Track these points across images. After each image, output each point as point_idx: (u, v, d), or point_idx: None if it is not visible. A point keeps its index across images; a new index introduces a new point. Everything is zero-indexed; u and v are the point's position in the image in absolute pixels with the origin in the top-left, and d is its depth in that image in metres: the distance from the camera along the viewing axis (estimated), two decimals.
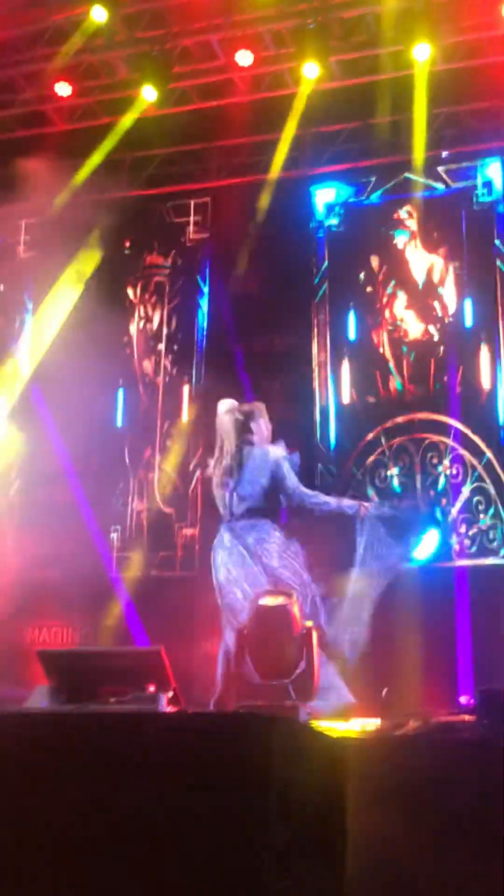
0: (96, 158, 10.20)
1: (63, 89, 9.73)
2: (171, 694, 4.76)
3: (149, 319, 10.53)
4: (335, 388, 9.69)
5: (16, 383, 10.66)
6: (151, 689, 4.71)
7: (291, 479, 6.33)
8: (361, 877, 3.80)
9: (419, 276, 9.59)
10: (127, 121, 9.78)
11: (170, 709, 4.61)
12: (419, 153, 9.41)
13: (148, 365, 10.43)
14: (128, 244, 10.62)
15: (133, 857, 3.13)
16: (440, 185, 9.61)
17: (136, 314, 10.56)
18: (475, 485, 9.00)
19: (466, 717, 4.62)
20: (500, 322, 9.16)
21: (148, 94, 9.39)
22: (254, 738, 3.05)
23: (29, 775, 3.48)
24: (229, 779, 3.03)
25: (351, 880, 3.67)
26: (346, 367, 9.70)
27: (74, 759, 3.46)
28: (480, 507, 8.96)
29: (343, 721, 5.65)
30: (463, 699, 7.21)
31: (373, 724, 5.40)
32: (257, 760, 3.01)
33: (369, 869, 3.85)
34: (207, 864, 2.95)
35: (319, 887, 3.44)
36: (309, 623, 5.23)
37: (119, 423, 10.37)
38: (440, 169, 9.59)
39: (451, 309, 9.44)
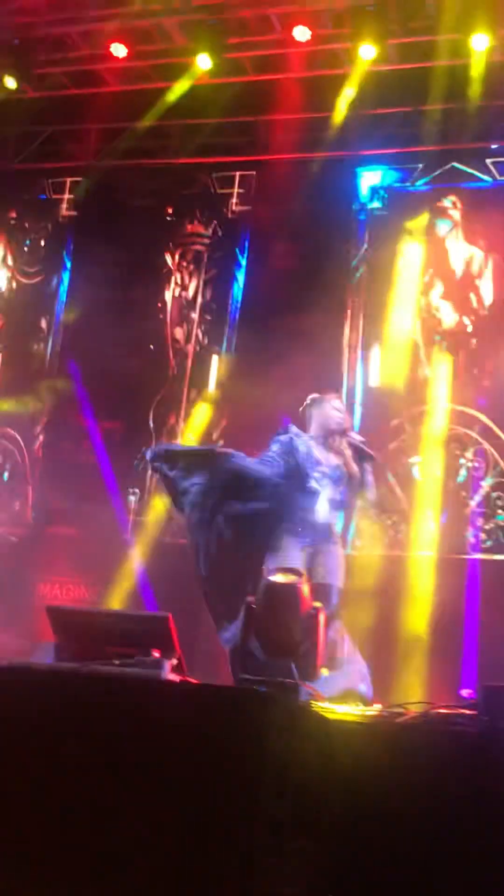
0: (147, 122, 10.24)
1: (118, 50, 9.72)
2: (175, 661, 4.81)
3: (184, 287, 10.55)
4: (363, 371, 9.68)
5: (49, 339, 10.75)
6: (156, 654, 4.76)
7: None
8: (351, 859, 3.87)
9: (458, 267, 9.56)
10: (180, 87, 9.78)
11: (173, 676, 4.67)
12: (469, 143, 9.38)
13: (179, 332, 10.46)
14: (170, 211, 10.62)
15: (126, 821, 3.20)
16: (487, 177, 9.55)
17: (173, 281, 10.58)
18: (496, 480, 9.00)
19: (466, 711, 4.64)
20: None
21: (202, 62, 9.38)
22: (252, 713, 3.10)
23: (30, 729, 3.55)
24: (226, 752, 3.09)
25: (341, 861, 3.73)
26: (376, 350, 9.69)
27: (75, 718, 3.53)
28: (499, 503, 8.96)
29: (345, 704, 5.70)
30: (465, 692, 7.23)
31: (373, 709, 5.44)
32: (254, 736, 3.06)
33: (359, 851, 3.91)
34: (200, 834, 3.00)
35: (309, 866, 3.49)
36: (317, 604, 5.27)
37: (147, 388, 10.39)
38: (488, 161, 9.53)
39: (487, 301, 9.42)
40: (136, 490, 10.09)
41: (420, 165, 9.77)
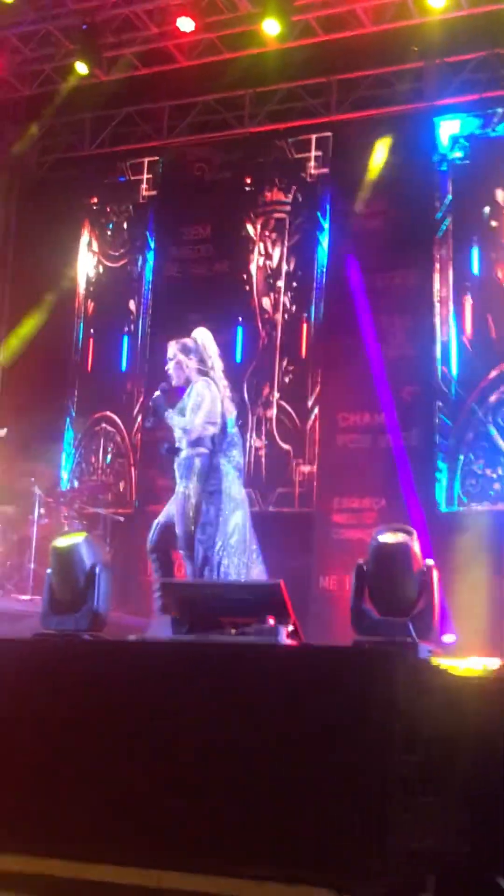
0: (218, 94, 10.21)
1: (185, 24, 9.68)
2: (290, 627, 4.82)
3: (269, 256, 10.50)
4: (457, 325, 9.53)
5: (139, 321, 10.84)
6: (271, 621, 4.78)
7: None
8: (479, 814, 3.83)
9: None
10: (249, 56, 9.73)
11: (289, 641, 4.68)
12: None
13: (267, 302, 10.43)
14: (249, 181, 10.58)
15: (262, 784, 3.22)
16: None
17: (256, 251, 10.54)
18: None
19: None
20: None
21: (270, 27, 9.27)
22: (378, 671, 3.09)
23: (157, 701, 3.60)
24: (353, 711, 3.09)
25: (471, 817, 3.70)
26: (468, 302, 9.52)
27: (199, 689, 3.56)
28: None
29: (462, 659, 5.64)
30: None
31: (494, 663, 5.38)
32: (382, 694, 3.05)
33: (491, 806, 3.88)
34: (335, 792, 3.01)
35: (438, 822, 3.48)
36: (430, 561, 5.21)
37: (238, 359, 10.39)
38: None
39: None
40: None
41: (500, 110, 9.53)
